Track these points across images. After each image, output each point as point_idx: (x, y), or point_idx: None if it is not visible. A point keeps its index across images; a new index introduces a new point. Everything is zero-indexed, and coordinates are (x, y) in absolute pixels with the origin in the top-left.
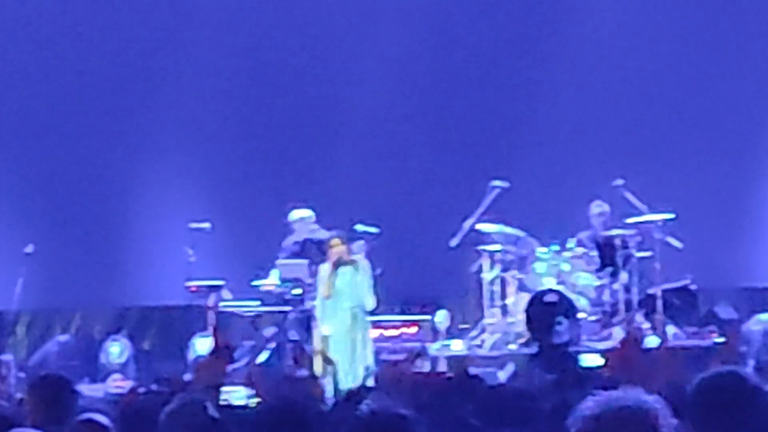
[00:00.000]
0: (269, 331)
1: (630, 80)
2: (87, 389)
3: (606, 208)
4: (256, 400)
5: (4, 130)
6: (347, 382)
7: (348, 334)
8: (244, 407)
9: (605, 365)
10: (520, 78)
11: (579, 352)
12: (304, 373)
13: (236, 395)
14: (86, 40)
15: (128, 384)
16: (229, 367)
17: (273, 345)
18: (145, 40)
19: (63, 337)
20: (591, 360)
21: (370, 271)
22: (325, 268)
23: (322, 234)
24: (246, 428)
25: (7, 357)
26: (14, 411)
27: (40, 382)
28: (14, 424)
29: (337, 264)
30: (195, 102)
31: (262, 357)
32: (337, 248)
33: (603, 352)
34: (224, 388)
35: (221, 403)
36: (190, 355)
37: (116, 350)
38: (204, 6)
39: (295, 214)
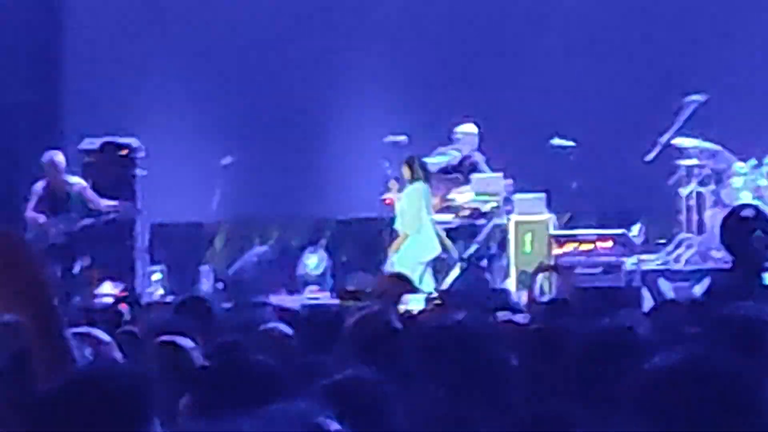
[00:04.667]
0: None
1: None
2: (282, 300)
3: None
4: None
5: (204, 42)
6: None
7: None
8: (423, 312)
9: None
10: None
11: None
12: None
13: (415, 299)
14: None
15: (324, 295)
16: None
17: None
18: None
19: (261, 248)
20: None
21: (413, 196)
22: (391, 187)
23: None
24: (426, 342)
25: (205, 268)
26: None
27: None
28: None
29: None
30: (392, 16)
31: (455, 272)
32: (403, 168)
33: None
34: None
35: (402, 311)
36: (387, 267)
37: (313, 261)
38: None
39: (462, 128)
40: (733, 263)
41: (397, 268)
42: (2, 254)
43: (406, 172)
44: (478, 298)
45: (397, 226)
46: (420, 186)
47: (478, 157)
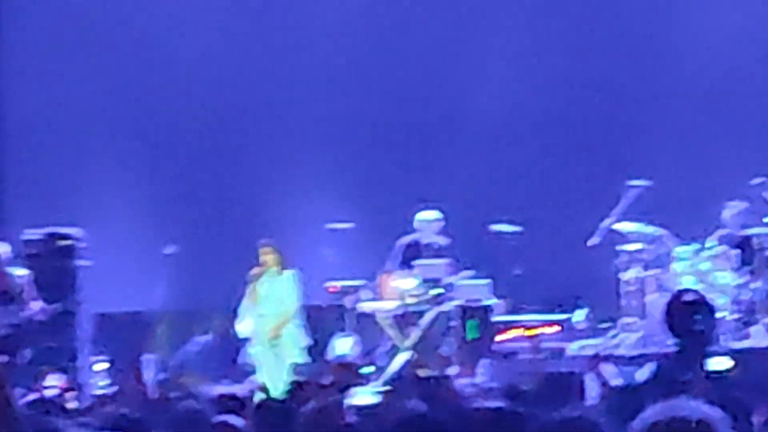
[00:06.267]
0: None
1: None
2: (226, 390)
3: (742, 207)
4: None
5: (146, 131)
6: (273, 387)
7: (267, 340)
8: (373, 407)
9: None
10: (657, 74)
11: (717, 353)
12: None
13: (362, 392)
14: (215, 45)
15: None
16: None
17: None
18: (271, 41)
19: (203, 338)
20: (718, 363)
21: (293, 282)
22: (255, 274)
23: (441, 240)
24: None
25: (149, 357)
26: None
27: None
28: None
29: (262, 271)
30: (327, 102)
31: (401, 360)
32: (265, 256)
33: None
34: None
35: (350, 403)
36: (329, 356)
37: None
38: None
39: (421, 216)
40: (678, 347)
41: (283, 350)
42: None
43: (274, 259)
44: (424, 387)
45: (267, 311)
46: (295, 273)
47: (442, 242)
